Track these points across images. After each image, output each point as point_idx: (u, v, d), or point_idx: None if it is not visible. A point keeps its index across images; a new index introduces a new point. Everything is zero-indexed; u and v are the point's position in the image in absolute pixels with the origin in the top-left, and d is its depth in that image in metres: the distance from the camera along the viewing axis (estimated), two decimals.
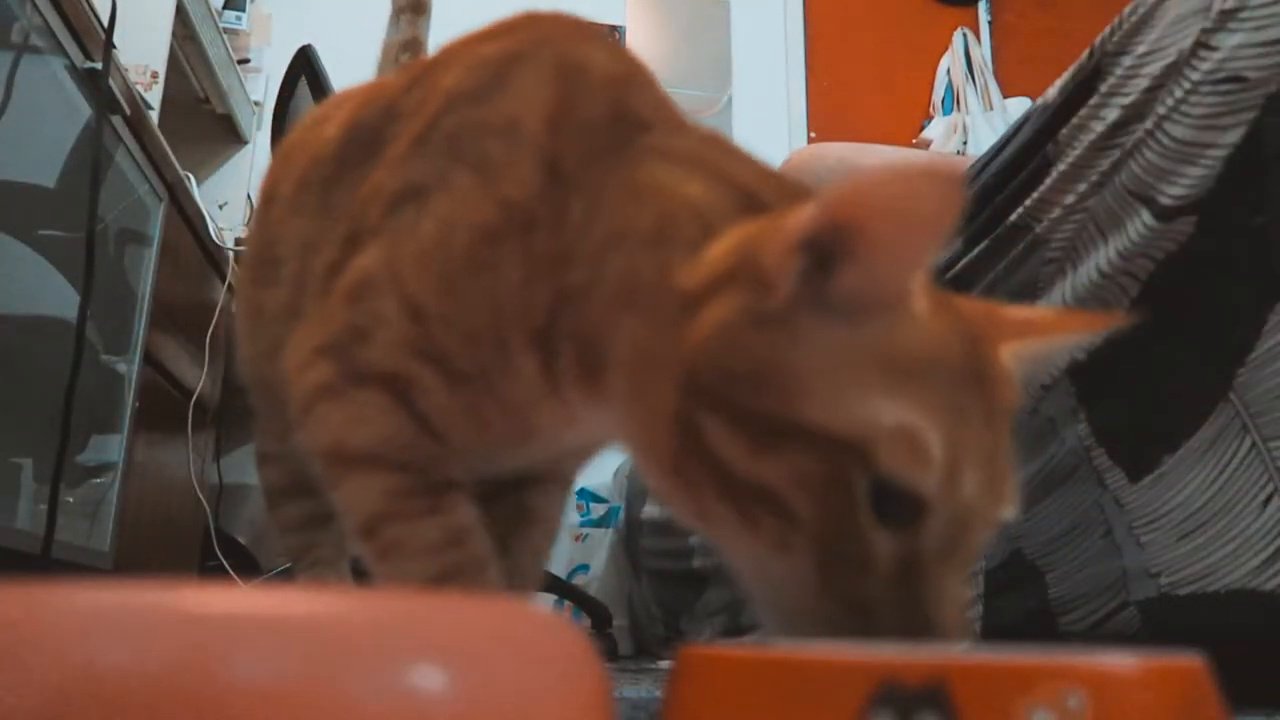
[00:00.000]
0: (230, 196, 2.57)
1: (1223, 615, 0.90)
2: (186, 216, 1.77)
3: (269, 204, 0.68)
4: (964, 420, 0.39)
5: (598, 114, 0.50)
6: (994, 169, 1.03)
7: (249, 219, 2.45)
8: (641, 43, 3.22)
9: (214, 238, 1.89)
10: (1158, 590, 0.96)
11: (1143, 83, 0.91)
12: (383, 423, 0.50)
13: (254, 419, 0.82)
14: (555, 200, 0.48)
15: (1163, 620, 0.96)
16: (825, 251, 0.40)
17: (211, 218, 1.90)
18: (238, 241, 2.05)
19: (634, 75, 0.53)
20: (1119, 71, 0.94)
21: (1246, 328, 0.87)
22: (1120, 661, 0.28)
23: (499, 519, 0.62)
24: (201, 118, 2.57)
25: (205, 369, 1.80)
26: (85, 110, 1.38)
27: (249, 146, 2.73)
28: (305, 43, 1.62)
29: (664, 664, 1.86)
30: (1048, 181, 0.97)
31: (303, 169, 0.62)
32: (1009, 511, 0.42)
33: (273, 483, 0.82)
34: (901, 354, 0.40)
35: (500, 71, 0.52)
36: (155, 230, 1.66)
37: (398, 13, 0.90)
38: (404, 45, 0.89)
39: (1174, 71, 0.88)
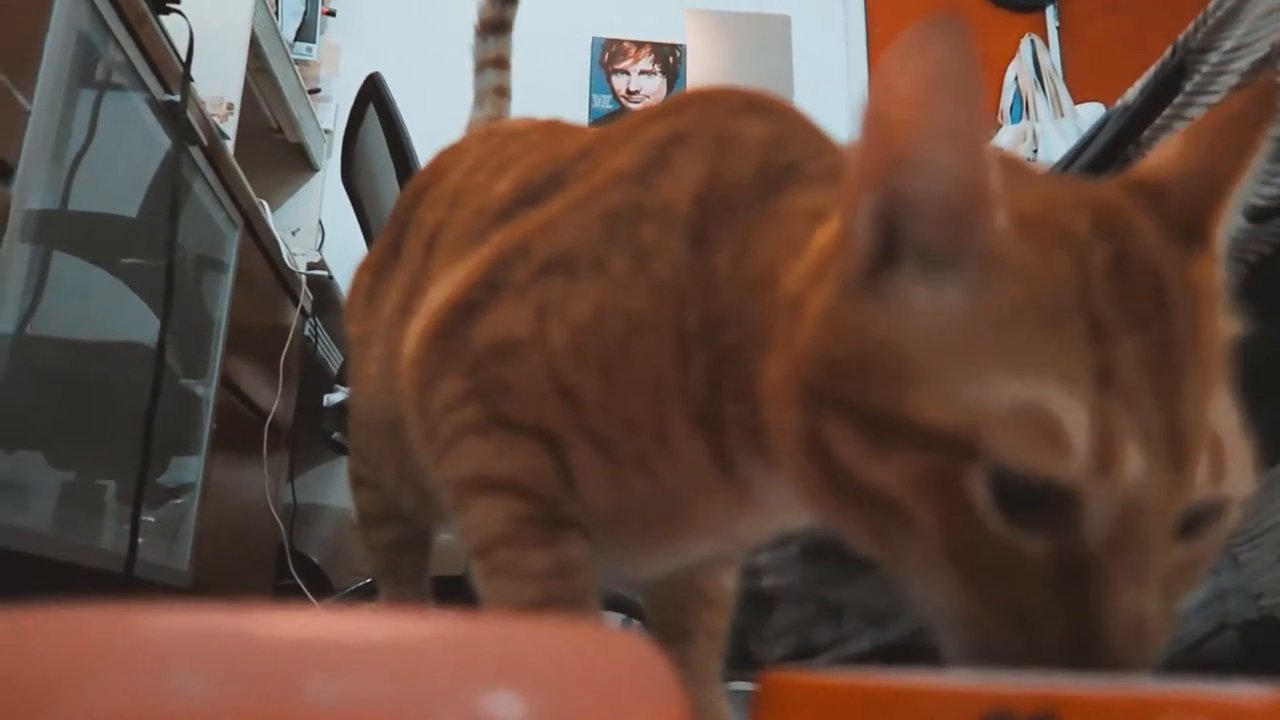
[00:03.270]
0: (302, 223, 2.63)
1: None
2: (261, 243, 1.81)
3: (414, 236, 0.68)
4: (1117, 374, 0.32)
5: (744, 175, 0.48)
6: (1072, 174, 0.99)
7: (320, 244, 2.50)
8: (701, 61, 3.22)
9: (287, 263, 1.93)
10: (1258, 613, 0.91)
11: (1231, 79, 0.87)
12: (527, 460, 0.50)
13: (350, 440, 0.83)
14: (702, 267, 0.46)
15: (1266, 644, 0.91)
16: (886, 183, 0.36)
17: (285, 244, 1.94)
18: (310, 266, 2.09)
19: (788, 132, 0.51)
20: (1205, 69, 0.90)
21: None
22: (1247, 694, 0.26)
23: (672, 603, 0.61)
24: (274, 147, 2.64)
25: (279, 391, 1.83)
26: (165, 142, 1.42)
27: (319, 174, 2.79)
28: (373, 71, 1.65)
29: (732, 685, 1.83)
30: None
31: (466, 219, 0.61)
32: (1225, 484, 0.33)
33: (367, 507, 0.83)
34: (1010, 306, 0.34)
35: (663, 153, 0.51)
36: (231, 257, 1.70)
37: (481, 96, 0.94)
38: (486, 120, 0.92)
39: (1266, 66, 0.84)
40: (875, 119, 0.36)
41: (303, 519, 2.01)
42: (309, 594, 1.62)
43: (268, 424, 1.79)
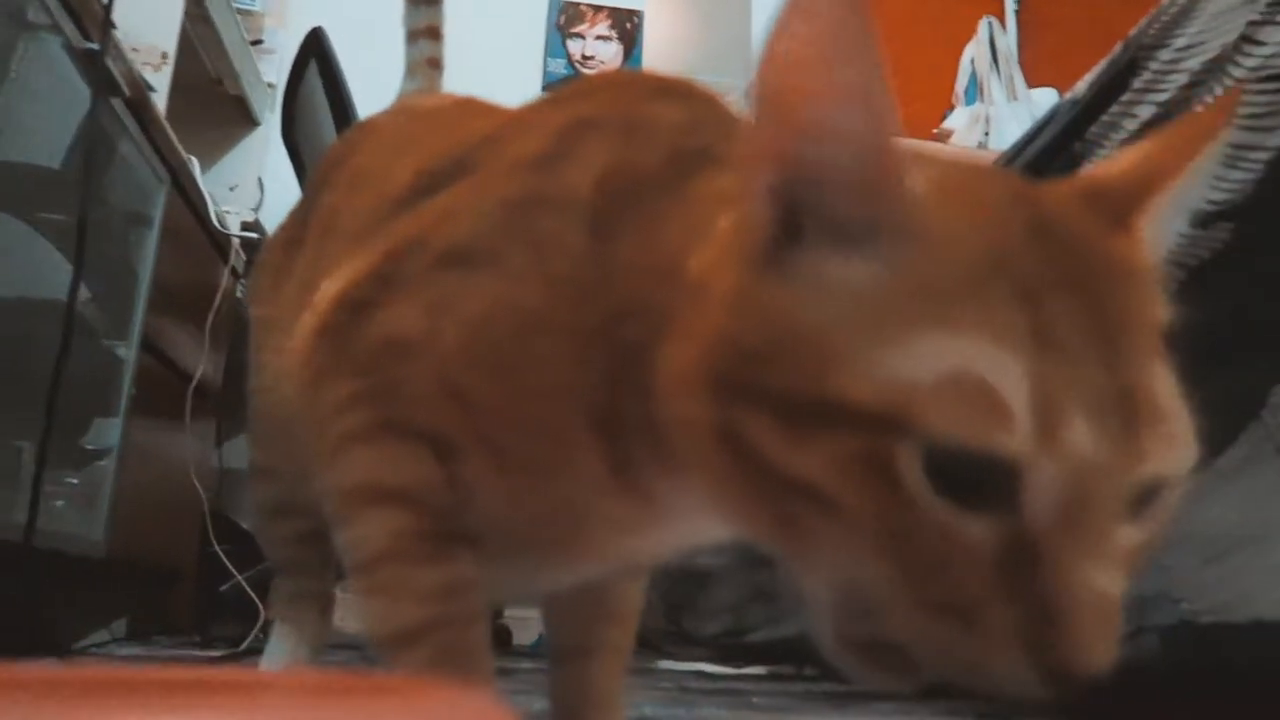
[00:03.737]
0: (242, 179, 2.55)
1: (1248, 647, 0.85)
2: (189, 200, 1.74)
3: (316, 218, 0.64)
4: (1055, 334, 0.30)
5: (652, 162, 0.45)
6: (1018, 167, 0.98)
7: (260, 202, 2.42)
8: (660, 28, 3.16)
9: (215, 222, 1.86)
10: (1178, 617, 0.91)
11: (1181, 78, 0.86)
12: (418, 469, 0.48)
13: (250, 430, 0.79)
14: (603, 259, 0.43)
15: (1184, 648, 0.91)
16: (784, 156, 0.33)
17: (214, 201, 1.87)
18: (244, 225, 2.02)
19: (703, 117, 0.48)
20: (1155, 66, 0.89)
21: None
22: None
23: (574, 617, 0.59)
24: (213, 99, 2.53)
25: (205, 354, 1.77)
26: (86, 92, 1.34)
27: (261, 129, 2.70)
28: (319, 25, 1.59)
29: (665, 663, 1.83)
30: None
31: (364, 206, 0.57)
32: (1173, 457, 0.31)
33: (266, 499, 0.80)
34: (931, 273, 0.31)
35: (568, 140, 0.48)
36: (157, 214, 1.63)
37: (413, 68, 0.89)
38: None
39: (1216, 67, 0.83)
40: (767, 89, 0.33)
41: (232, 484, 1.95)
42: (229, 564, 1.57)
43: (192, 387, 1.73)
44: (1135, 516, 0.31)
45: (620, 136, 0.46)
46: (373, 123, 0.70)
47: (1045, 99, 2.65)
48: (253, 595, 1.45)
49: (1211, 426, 0.96)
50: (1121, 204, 0.36)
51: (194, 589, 1.88)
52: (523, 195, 0.47)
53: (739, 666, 1.77)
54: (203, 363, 1.76)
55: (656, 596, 1.93)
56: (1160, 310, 0.35)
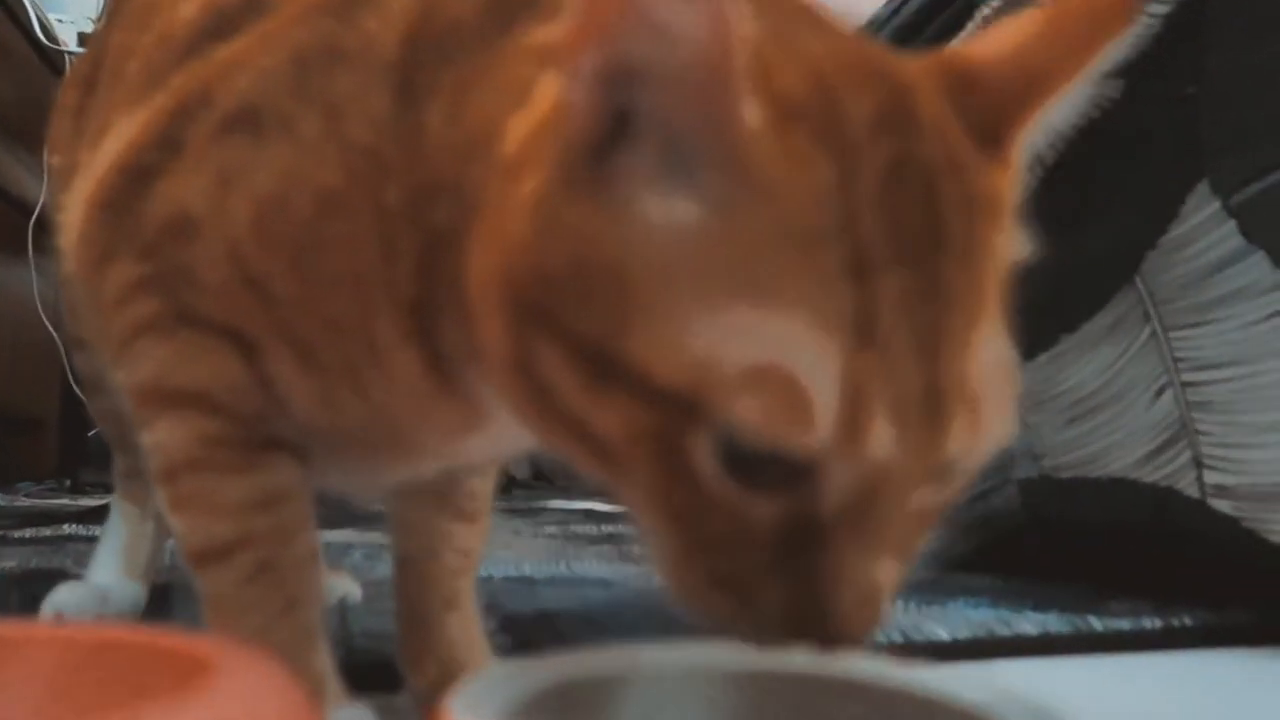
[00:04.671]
0: None
1: (1103, 503, 0.88)
2: (9, 9, 1.54)
3: (107, 58, 0.54)
4: (878, 322, 0.27)
5: (468, 9, 0.38)
6: (908, 11, 0.91)
7: (100, 10, 2.17)
8: None
9: (41, 35, 1.66)
10: (1039, 471, 0.94)
11: None
12: (215, 365, 0.42)
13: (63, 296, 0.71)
14: (409, 126, 0.37)
15: (1042, 501, 0.95)
16: (612, 38, 0.28)
17: (42, 11, 1.66)
18: (81, 38, 1.81)
19: None
20: None
21: (1163, 208, 0.80)
22: None
23: (415, 517, 0.54)
24: None
25: (46, 184, 1.61)
26: None
27: None
28: None
29: (556, 502, 1.85)
30: (969, 28, 0.87)
31: (149, 48, 0.48)
32: (980, 443, 0.29)
33: (85, 371, 0.74)
34: (757, 230, 0.28)
35: None
36: None
37: None
38: None
39: None
40: None
41: None
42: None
43: (33, 220, 1.59)
44: (934, 483, 0.30)
45: None
46: None
47: None
48: None
49: (1081, 291, 0.95)
50: (995, 109, 0.32)
51: (58, 435, 1.80)
52: (317, 46, 0.40)
53: None
54: (43, 194, 1.61)
55: None
56: (1010, 250, 0.31)
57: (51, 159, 0.67)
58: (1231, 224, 0.76)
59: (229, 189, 0.40)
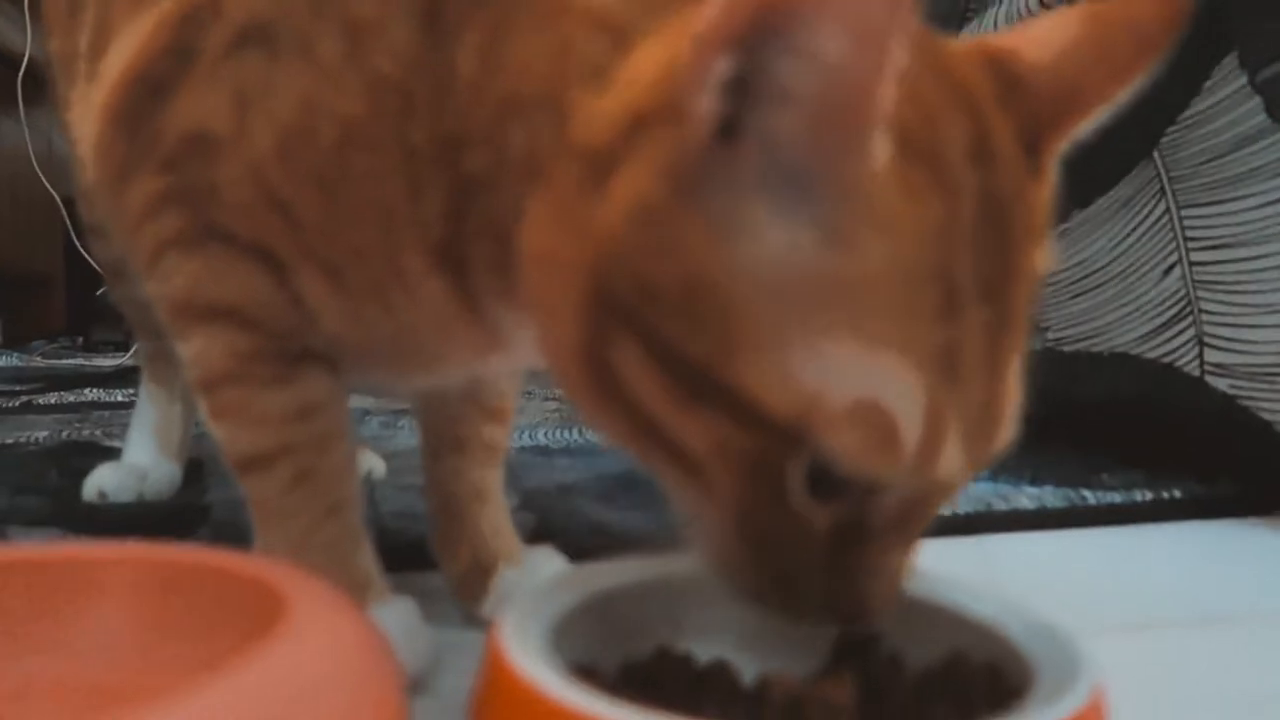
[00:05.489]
0: None
1: (1104, 376, 0.90)
2: None
3: None
4: (961, 358, 0.28)
5: None
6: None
7: None
8: None
9: None
10: (1042, 343, 0.96)
11: None
12: (245, 280, 0.42)
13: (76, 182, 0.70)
14: (436, 63, 0.36)
15: (1046, 374, 0.96)
16: (749, 48, 0.27)
17: None
18: None
19: None
20: None
21: (1186, 82, 0.79)
22: None
23: (445, 413, 0.55)
24: None
25: (29, 33, 1.56)
26: None
27: None
28: None
29: None
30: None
31: None
32: (996, 453, 0.31)
33: (104, 259, 0.74)
34: (871, 266, 0.28)
35: None
36: None
37: None
38: None
39: None
40: None
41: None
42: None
43: (21, 72, 1.54)
44: None
45: None
46: None
47: None
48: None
49: (1098, 166, 0.94)
50: (1037, 118, 0.32)
51: (65, 292, 1.80)
52: None
53: None
54: (29, 44, 1.55)
55: None
56: (1043, 265, 0.32)
57: (50, 43, 0.65)
58: (1255, 101, 0.75)
59: (248, 110, 0.39)
